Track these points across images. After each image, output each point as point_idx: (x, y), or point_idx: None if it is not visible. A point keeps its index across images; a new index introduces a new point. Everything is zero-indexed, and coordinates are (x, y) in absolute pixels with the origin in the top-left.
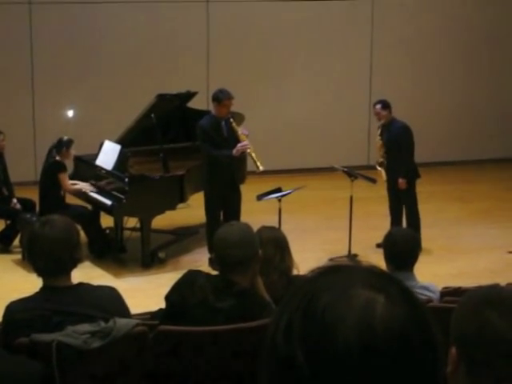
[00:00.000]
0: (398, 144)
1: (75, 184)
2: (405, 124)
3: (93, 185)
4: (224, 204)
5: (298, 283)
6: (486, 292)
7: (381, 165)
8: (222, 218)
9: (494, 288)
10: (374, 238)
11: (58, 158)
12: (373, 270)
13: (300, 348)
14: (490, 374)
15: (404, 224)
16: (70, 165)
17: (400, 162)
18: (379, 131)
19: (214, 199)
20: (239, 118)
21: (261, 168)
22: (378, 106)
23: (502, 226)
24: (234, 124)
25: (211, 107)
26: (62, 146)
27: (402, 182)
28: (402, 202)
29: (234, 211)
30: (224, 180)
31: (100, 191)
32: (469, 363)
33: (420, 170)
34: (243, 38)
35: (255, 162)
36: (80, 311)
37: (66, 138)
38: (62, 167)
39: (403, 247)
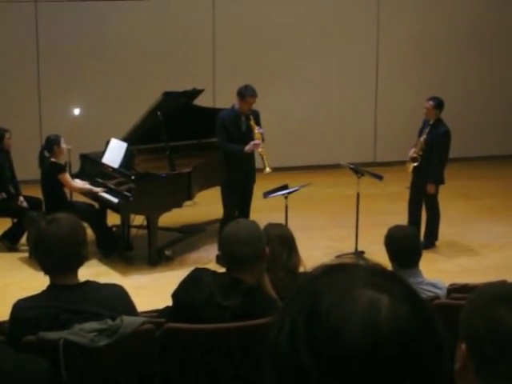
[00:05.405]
0: (435, 147)
1: (78, 182)
2: (448, 130)
3: (99, 183)
4: (240, 197)
5: (300, 283)
6: (496, 288)
7: (413, 160)
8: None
9: (504, 284)
10: (381, 234)
11: (52, 158)
12: (375, 269)
13: (305, 350)
14: (501, 370)
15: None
16: (64, 160)
17: (432, 164)
18: (427, 129)
19: (230, 192)
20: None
21: (267, 170)
22: (431, 103)
23: (508, 223)
24: (252, 121)
25: (218, 104)
26: (51, 144)
27: (431, 187)
28: (425, 203)
29: (246, 204)
30: (240, 172)
31: (107, 189)
32: (479, 359)
33: None
34: (249, 36)
35: (264, 162)
36: (87, 309)
37: (52, 135)
38: (59, 168)
39: (405, 245)
